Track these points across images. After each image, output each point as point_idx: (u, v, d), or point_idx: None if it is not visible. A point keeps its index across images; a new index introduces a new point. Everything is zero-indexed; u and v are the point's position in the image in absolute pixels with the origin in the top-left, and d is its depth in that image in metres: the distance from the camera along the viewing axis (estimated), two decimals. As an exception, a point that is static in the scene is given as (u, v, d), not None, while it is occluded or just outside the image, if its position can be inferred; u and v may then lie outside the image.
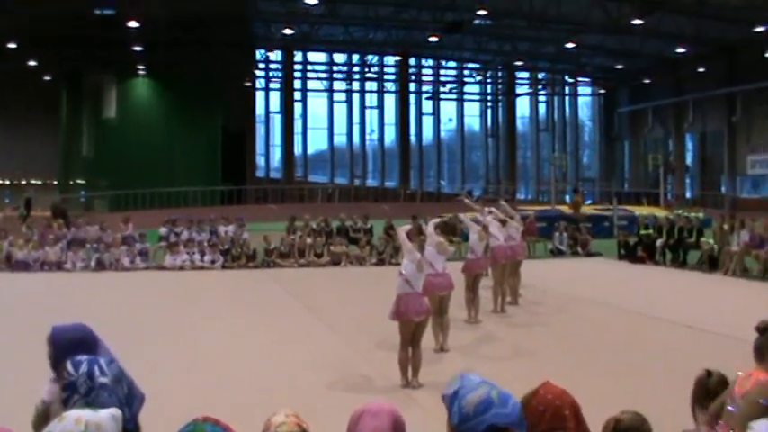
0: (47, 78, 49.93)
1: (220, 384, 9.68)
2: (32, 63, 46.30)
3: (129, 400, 3.60)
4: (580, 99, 62.23)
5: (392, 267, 19.81)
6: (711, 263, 21.36)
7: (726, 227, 21.91)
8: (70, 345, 3.85)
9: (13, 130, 51.57)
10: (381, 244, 24.21)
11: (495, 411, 2.93)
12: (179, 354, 11.60)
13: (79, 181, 50.82)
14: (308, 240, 24.15)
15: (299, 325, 14.06)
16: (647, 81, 54.27)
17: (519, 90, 60.81)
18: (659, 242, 23.43)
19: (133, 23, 39.49)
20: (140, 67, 48.66)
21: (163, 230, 25.11)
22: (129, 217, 27.08)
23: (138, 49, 44.60)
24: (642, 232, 24.67)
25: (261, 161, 57.81)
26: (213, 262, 23.13)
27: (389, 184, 58.35)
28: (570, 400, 3.21)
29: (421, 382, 9.45)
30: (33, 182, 54.16)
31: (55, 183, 51.33)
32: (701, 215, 25.35)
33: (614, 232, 28.99)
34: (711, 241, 22.11)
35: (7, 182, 54.79)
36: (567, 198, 38.37)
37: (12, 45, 42.66)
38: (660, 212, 30.36)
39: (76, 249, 23.11)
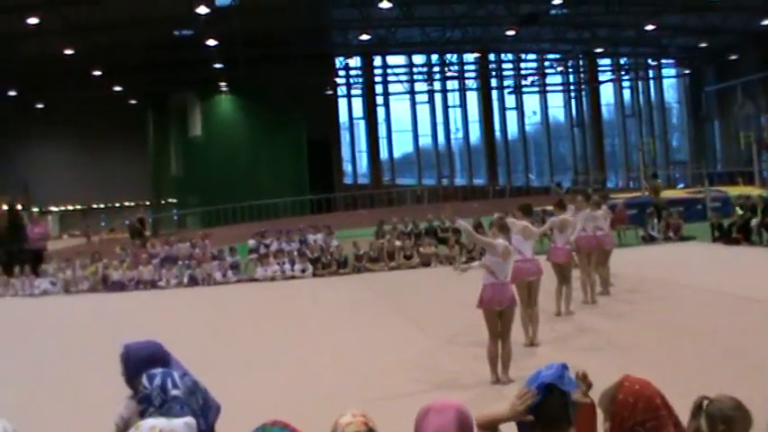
0: (133, 102, 51.34)
1: (311, 387, 9.89)
2: (118, 88, 47.50)
3: (204, 410, 3.77)
4: (665, 81, 60.95)
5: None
6: None
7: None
8: (142, 361, 4.02)
9: (104, 154, 53.30)
10: (470, 242, 24.17)
11: (544, 373, 3.16)
12: (266, 362, 11.83)
13: (171, 200, 51.97)
14: (397, 243, 24.33)
15: (387, 326, 14.22)
16: (733, 57, 52.83)
17: (602, 77, 59.85)
18: (754, 222, 22.82)
19: (212, 42, 40.24)
20: (222, 84, 49.55)
21: (251, 243, 25.62)
22: (208, 234, 27.55)
23: (218, 66, 45.45)
24: (739, 212, 24.11)
25: (348, 168, 58.24)
26: (303, 271, 23.46)
27: (477, 181, 58.14)
28: (656, 389, 3.26)
29: (511, 377, 9.46)
30: (127, 204, 55.78)
31: (147, 203, 52.62)
32: None
33: (707, 215, 28.39)
34: (808, 218, 21.42)
35: (102, 205, 56.47)
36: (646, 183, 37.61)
37: (96, 72, 43.86)
38: (755, 191, 29.61)
39: (169, 267, 23.72)
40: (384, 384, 9.81)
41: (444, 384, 9.78)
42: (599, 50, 56.00)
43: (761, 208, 22.63)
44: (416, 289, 19.20)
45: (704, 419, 3.36)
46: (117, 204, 56.94)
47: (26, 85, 46.07)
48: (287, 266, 23.57)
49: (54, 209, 56.92)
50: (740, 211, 24.20)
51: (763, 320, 12.12)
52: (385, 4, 37.52)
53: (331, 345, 12.89)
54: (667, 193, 38.21)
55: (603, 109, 59.95)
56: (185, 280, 23.26)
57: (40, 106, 51.59)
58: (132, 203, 55.67)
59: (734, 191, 32.72)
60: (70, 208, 57.10)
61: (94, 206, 56.94)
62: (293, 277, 23.19)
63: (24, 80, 44.94)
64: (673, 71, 61.01)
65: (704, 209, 29.64)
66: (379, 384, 9.84)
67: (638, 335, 11.89)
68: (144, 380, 3.71)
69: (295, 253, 24.33)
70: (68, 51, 39.60)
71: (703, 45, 54.00)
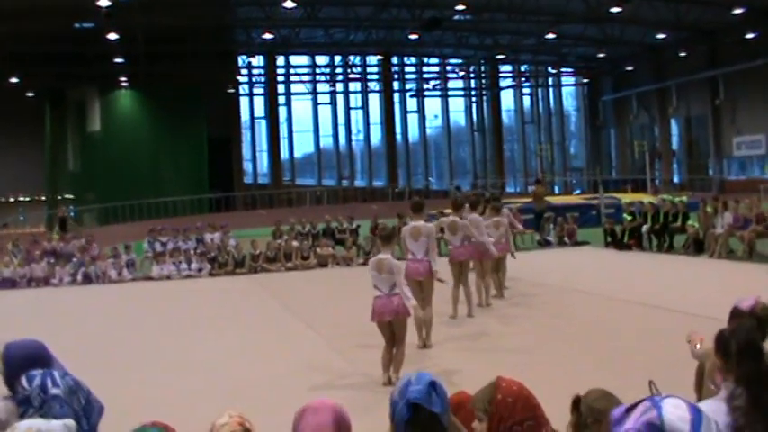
0: (30, 94, 49.86)
1: (196, 389, 9.70)
2: (14, 80, 46.09)
3: (86, 411, 3.60)
4: (564, 89, 62.17)
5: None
6: (697, 246, 21.29)
7: (710, 209, 21.86)
8: (24, 361, 3.82)
9: (-1, 146, 51.60)
10: (367, 243, 24.18)
11: (411, 388, 3.05)
12: (154, 362, 11.56)
13: (67, 196, 50.66)
14: (295, 244, 24.12)
15: (280, 327, 14.09)
16: (629, 68, 54.27)
17: (503, 83, 60.75)
18: (644, 228, 23.39)
19: (112, 36, 39.42)
20: (122, 79, 48.63)
21: (147, 241, 25.12)
22: (91, 240, 26.88)
23: (119, 61, 44.58)
24: (627, 218, 24.71)
25: (249, 167, 57.71)
26: (200, 270, 23.09)
27: (378, 183, 58.31)
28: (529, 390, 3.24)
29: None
30: (21, 198, 54.17)
31: (43, 198, 51.23)
32: (684, 199, 25.24)
33: (602, 220, 28.93)
34: (696, 225, 22.05)
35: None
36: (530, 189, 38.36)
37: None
38: (647, 198, 30.32)
39: (63, 264, 23.07)
40: (271, 385, 9.67)
41: (333, 385, 9.73)
42: (500, 57, 56.83)
43: (651, 215, 23.17)
44: (312, 289, 19.07)
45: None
46: (11, 199, 55.25)
47: None
48: (183, 265, 23.15)
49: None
50: (628, 218, 24.76)
51: (649, 323, 12.37)
52: (289, 4, 37.27)
53: (218, 345, 12.69)
54: (563, 199, 39.03)
55: (504, 114, 60.81)
56: (79, 278, 22.62)
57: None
58: (28, 198, 54.17)
59: (625, 197, 33.47)
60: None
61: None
62: (189, 276, 22.79)
63: None
64: (572, 80, 62.28)
65: (598, 215, 30.20)
66: (265, 384, 9.70)
67: (527, 337, 12.01)
68: (23, 381, 3.54)
69: (192, 252, 23.93)
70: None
71: (601, 55, 55.32)
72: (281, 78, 57.71)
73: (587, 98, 61.19)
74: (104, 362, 11.22)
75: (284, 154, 57.41)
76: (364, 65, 58.54)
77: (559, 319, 13.44)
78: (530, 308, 14.76)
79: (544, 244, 26.30)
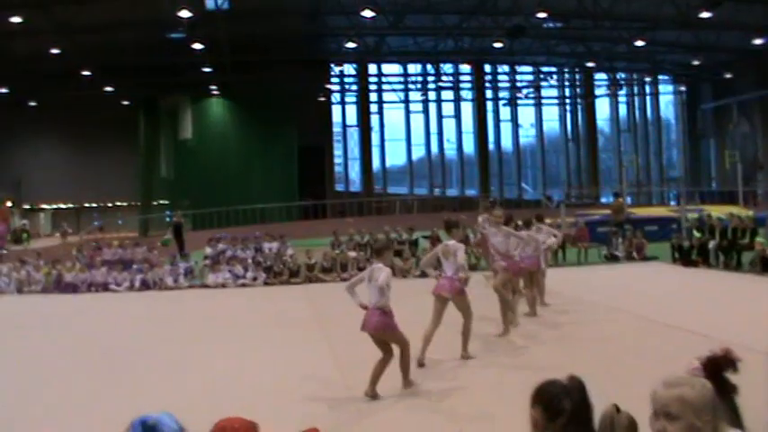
0: (125, 103, 51.40)
1: (184, 391, 9.79)
2: (109, 89, 47.50)
3: None
4: (662, 97, 60.63)
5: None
6: (765, 264, 20.21)
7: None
8: None
9: (95, 154, 53.50)
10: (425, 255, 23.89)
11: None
12: (160, 371, 11.69)
13: (163, 201, 51.93)
14: (352, 254, 24.09)
15: (294, 338, 14.00)
16: (729, 75, 52.50)
17: (597, 92, 59.65)
18: (712, 244, 22.51)
19: (198, 46, 40.18)
20: (213, 87, 49.52)
21: (208, 250, 25.51)
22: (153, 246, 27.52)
23: (208, 70, 45.38)
24: (696, 234, 23.75)
25: (340, 175, 58.15)
26: (255, 279, 23.25)
27: (470, 192, 57.93)
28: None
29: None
30: (119, 203, 55.89)
31: (137, 204, 52.71)
32: (751, 214, 24.16)
33: (684, 234, 27.84)
34: (764, 241, 21.02)
35: (94, 204, 56.62)
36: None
37: (88, 72, 43.90)
38: (741, 212, 29.13)
39: (120, 270, 23.68)
40: (266, 399, 9.58)
41: (316, 396, 9.67)
42: (591, 65, 55.76)
43: (719, 230, 22.22)
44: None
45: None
46: (109, 204, 57.07)
47: (18, 83, 46.13)
48: (239, 274, 23.39)
49: (46, 206, 57.06)
50: (697, 234, 23.76)
51: (671, 344, 11.76)
52: (368, 13, 37.28)
53: (216, 350, 13.01)
54: (646, 211, 37.85)
55: (599, 123, 59.66)
56: (137, 284, 23.13)
57: (33, 104, 51.76)
58: (125, 203, 55.88)
59: (714, 210, 32.22)
60: (63, 206, 57.19)
61: (86, 205, 57.06)
62: (244, 285, 22.98)
63: (16, 78, 45.01)
64: (670, 87, 60.67)
65: (679, 228, 29.23)
66: (262, 398, 9.60)
67: (546, 355, 11.58)
68: None
69: (249, 260, 24.18)
70: (57, 51, 39.83)
71: (697, 62, 53.68)
72: (373, 87, 57.95)
73: (686, 106, 59.52)
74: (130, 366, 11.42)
75: (376, 162, 57.64)
76: (456, 73, 58.28)
77: (588, 341, 12.81)
78: (550, 326, 14.19)
79: (611, 258, 25.55)
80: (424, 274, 23.26)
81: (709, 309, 15.53)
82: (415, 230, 26.43)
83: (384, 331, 9.55)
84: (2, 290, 23.25)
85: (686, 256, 23.22)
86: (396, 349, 9.68)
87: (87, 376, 11.42)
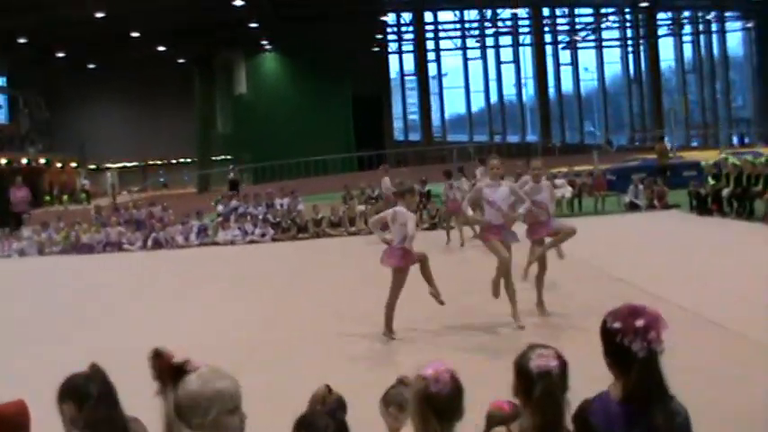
0: (180, 61, 51.95)
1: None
2: (162, 48, 48.03)
3: None
4: (729, 35, 58.53)
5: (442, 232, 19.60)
6: None
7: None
8: None
9: (155, 112, 54.34)
10: (432, 208, 23.69)
11: None
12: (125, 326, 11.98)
13: (221, 157, 52.54)
14: (360, 208, 24.00)
15: (288, 298, 13.95)
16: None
17: (661, 31, 57.86)
18: (725, 192, 21.48)
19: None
20: (264, 42, 49.64)
21: (220, 207, 25.77)
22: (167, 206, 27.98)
23: (260, 25, 45.41)
24: (710, 181, 22.77)
25: (399, 124, 57.93)
26: (263, 235, 23.39)
27: (531, 138, 57.12)
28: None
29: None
30: (182, 160, 56.74)
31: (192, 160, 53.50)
32: (764, 159, 22.98)
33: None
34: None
35: (158, 162, 57.63)
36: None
37: (139, 33, 44.41)
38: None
39: (133, 230, 24.28)
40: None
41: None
42: (655, 3, 54.02)
43: (734, 176, 21.25)
44: (347, 255, 19.08)
45: None
46: (173, 161, 58.04)
47: (75, 47, 46.99)
48: (248, 230, 23.52)
49: (110, 166, 58.22)
50: (711, 181, 22.76)
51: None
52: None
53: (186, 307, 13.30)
54: (697, 155, 36.30)
55: (663, 64, 57.98)
56: (149, 243, 23.59)
57: (92, 67, 52.70)
58: (189, 160, 56.67)
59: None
60: (128, 165, 58.31)
61: (150, 162, 58.11)
62: (252, 242, 23.14)
63: (72, 43, 45.85)
64: (737, 24, 58.42)
65: (700, 174, 27.73)
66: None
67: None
68: None
69: (260, 217, 24.31)
70: (111, 14, 40.33)
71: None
72: (429, 35, 57.33)
73: (755, 44, 57.31)
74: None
75: (435, 110, 57.23)
76: (515, 18, 57.19)
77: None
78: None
79: (631, 207, 24.76)
80: (433, 226, 23.04)
81: (695, 270, 13.52)
82: (427, 182, 25.89)
83: (401, 268, 9.86)
84: (25, 252, 24.10)
85: (703, 204, 22.42)
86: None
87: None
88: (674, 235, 19.00)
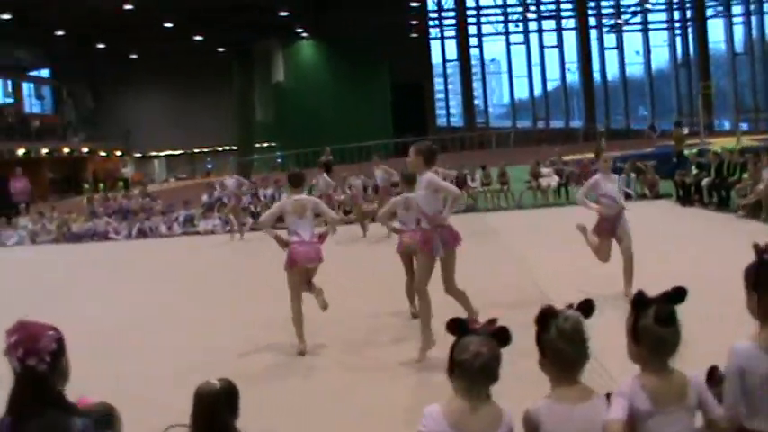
0: (220, 50, 52.41)
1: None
2: (199, 37, 48.53)
3: None
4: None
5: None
6: (754, 208, 17.60)
7: (765, 160, 17.99)
8: None
9: (196, 101, 54.79)
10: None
11: None
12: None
13: (260, 144, 52.91)
14: (341, 197, 23.79)
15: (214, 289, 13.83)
16: None
17: (709, 12, 56.22)
18: (705, 182, 20.58)
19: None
20: (300, 30, 49.83)
21: (204, 197, 25.87)
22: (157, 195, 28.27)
23: (299, 12, 45.63)
24: (694, 171, 21.90)
25: (441, 110, 57.60)
26: (243, 224, 23.14)
27: (575, 124, 56.29)
28: None
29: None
30: (227, 148, 57.23)
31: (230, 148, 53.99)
32: (738, 147, 21.76)
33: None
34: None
35: (205, 149, 58.23)
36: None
37: (179, 22, 44.88)
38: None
39: (121, 220, 24.53)
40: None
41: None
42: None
43: (714, 166, 20.42)
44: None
45: None
46: (219, 149, 58.58)
47: (114, 38, 47.75)
48: (228, 220, 23.36)
49: (154, 154, 59.06)
50: (695, 170, 21.88)
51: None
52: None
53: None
54: (722, 141, 34.86)
55: (711, 47, 56.42)
56: (134, 232, 23.85)
57: (133, 57, 53.44)
58: (234, 147, 57.11)
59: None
60: (174, 153, 59.06)
61: (197, 151, 58.74)
62: (231, 231, 22.83)
63: (112, 34, 46.59)
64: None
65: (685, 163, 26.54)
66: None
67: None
68: None
69: (241, 207, 24.27)
70: (130, 7, 40.83)
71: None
72: (471, 20, 56.79)
73: (811, 23, 55.33)
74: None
75: (477, 96, 56.75)
76: (558, 1, 56.30)
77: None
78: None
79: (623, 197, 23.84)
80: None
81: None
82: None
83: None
84: (21, 241, 24.65)
85: (687, 194, 21.57)
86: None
87: None
88: (647, 226, 17.31)
